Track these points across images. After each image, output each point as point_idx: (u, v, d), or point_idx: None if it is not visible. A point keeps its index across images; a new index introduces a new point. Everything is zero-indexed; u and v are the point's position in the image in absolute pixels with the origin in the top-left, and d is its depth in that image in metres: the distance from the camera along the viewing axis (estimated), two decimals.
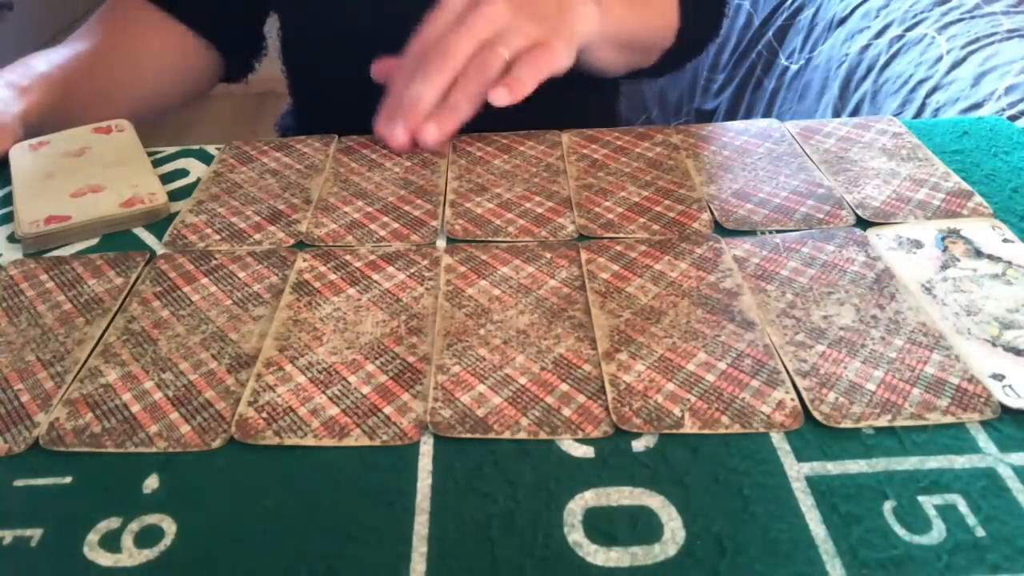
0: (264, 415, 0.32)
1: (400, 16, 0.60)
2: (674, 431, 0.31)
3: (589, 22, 0.51)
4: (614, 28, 0.53)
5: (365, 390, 0.33)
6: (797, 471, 0.29)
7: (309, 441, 0.31)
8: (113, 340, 0.36)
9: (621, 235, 0.42)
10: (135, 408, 0.32)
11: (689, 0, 0.61)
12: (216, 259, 0.42)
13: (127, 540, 0.27)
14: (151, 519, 0.28)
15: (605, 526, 0.27)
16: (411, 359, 0.34)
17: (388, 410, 0.32)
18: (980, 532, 0.27)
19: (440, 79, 0.47)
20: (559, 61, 0.47)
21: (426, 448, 0.30)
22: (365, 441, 0.31)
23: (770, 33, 1.57)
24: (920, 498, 0.28)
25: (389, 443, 0.31)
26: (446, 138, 0.48)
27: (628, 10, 0.55)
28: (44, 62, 0.57)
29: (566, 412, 0.31)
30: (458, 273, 0.40)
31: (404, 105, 0.48)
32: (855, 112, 1.31)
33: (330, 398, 0.32)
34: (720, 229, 0.43)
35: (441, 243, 0.42)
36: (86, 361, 0.35)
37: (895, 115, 1.16)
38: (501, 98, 0.46)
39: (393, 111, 0.49)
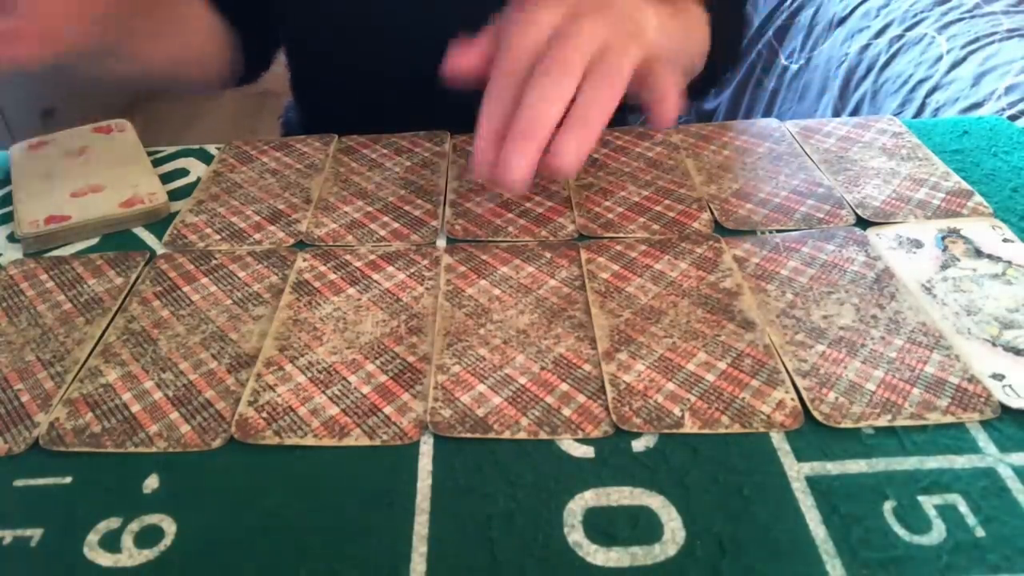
0: (264, 415, 0.32)
1: (402, 13, 0.60)
2: (674, 431, 0.31)
3: (656, 39, 0.47)
4: (666, 47, 0.49)
5: (365, 390, 0.33)
6: (797, 471, 0.29)
7: (309, 441, 0.31)
8: (113, 340, 0.36)
9: (621, 235, 0.42)
10: (135, 408, 0.32)
11: (718, 26, 0.61)
12: (216, 259, 0.42)
13: (127, 540, 0.27)
14: (151, 519, 0.28)
15: (605, 526, 0.27)
16: (411, 359, 0.34)
17: (388, 410, 0.32)
18: (980, 532, 0.27)
19: (563, 90, 0.37)
20: (674, 73, 0.42)
21: (426, 448, 0.30)
22: (365, 441, 0.31)
23: (770, 33, 1.57)
24: (920, 498, 0.28)
25: (389, 443, 0.31)
26: (583, 160, 0.37)
27: (677, 30, 0.52)
28: None
29: (566, 412, 0.31)
30: (458, 273, 0.40)
31: (521, 127, 0.37)
32: (855, 112, 1.31)
33: (330, 398, 0.32)
34: (720, 229, 0.43)
35: (441, 243, 0.42)
36: (86, 361, 0.35)
37: (895, 115, 1.16)
38: (666, 118, 0.40)
39: (499, 137, 0.38)
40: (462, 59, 0.42)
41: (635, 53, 0.41)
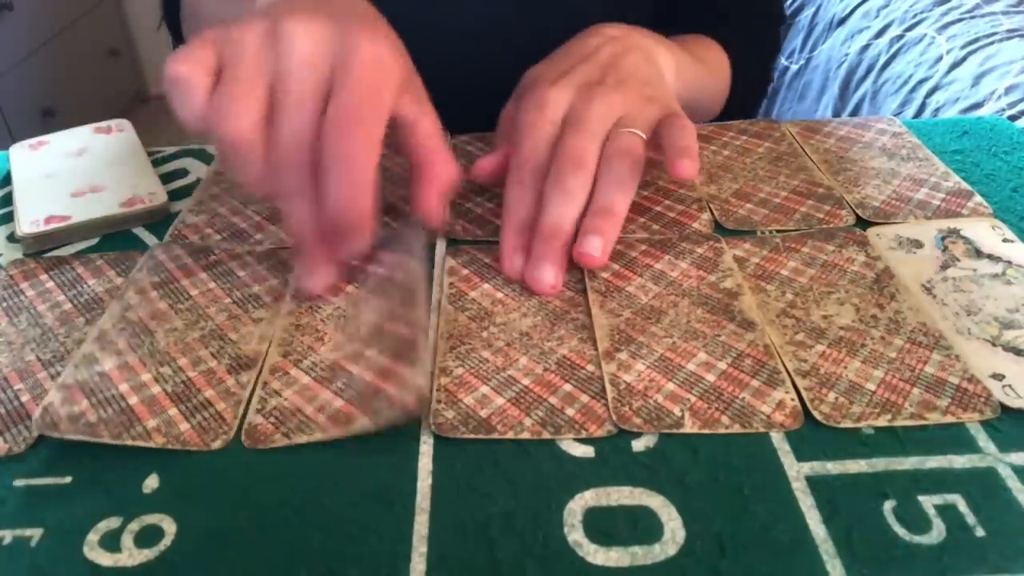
0: (272, 420, 0.32)
1: (403, 14, 0.60)
2: (674, 431, 0.31)
3: (671, 81, 0.48)
4: (683, 89, 0.50)
5: (368, 377, 0.33)
6: (797, 471, 0.29)
7: (317, 436, 0.31)
8: (109, 327, 0.36)
9: (621, 235, 0.42)
10: (132, 400, 0.32)
11: (740, 72, 0.61)
12: (215, 254, 0.42)
13: (127, 540, 0.27)
14: (151, 519, 0.28)
15: (605, 526, 0.27)
16: (405, 331, 0.34)
17: (390, 389, 0.32)
18: (980, 532, 0.27)
19: (579, 194, 0.38)
20: (692, 124, 0.41)
21: (426, 448, 0.30)
22: (368, 424, 0.31)
23: None
24: (920, 498, 0.28)
25: (392, 421, 0.30)
26: (611, 247, 0.39)
27: (693, 71, 0.53)
28: None
29: (569, 412, 0.31)
30: (461, 276, 0.40)
31: (544, 239, 0.38)
32: (855, 112, 1.31)
33: (335, 392, 0.33)
34: (720, 229, 0.43)
35: (441, 243, 0.42)
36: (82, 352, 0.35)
37: (895, 115, 1.16)
38: (687, 167, 0.38)
39: (522, 245, 0.39)
40: (485, 166, 0.43)
41: (652, 115, 0.42)
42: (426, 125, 0.38)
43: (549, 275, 0.38)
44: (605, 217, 0.38)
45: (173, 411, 0.32)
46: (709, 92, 0.59)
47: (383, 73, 0.34)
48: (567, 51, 0.46)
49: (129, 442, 0.31)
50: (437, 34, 0.59)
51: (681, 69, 0.50)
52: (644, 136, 0.41)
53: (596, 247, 0.38)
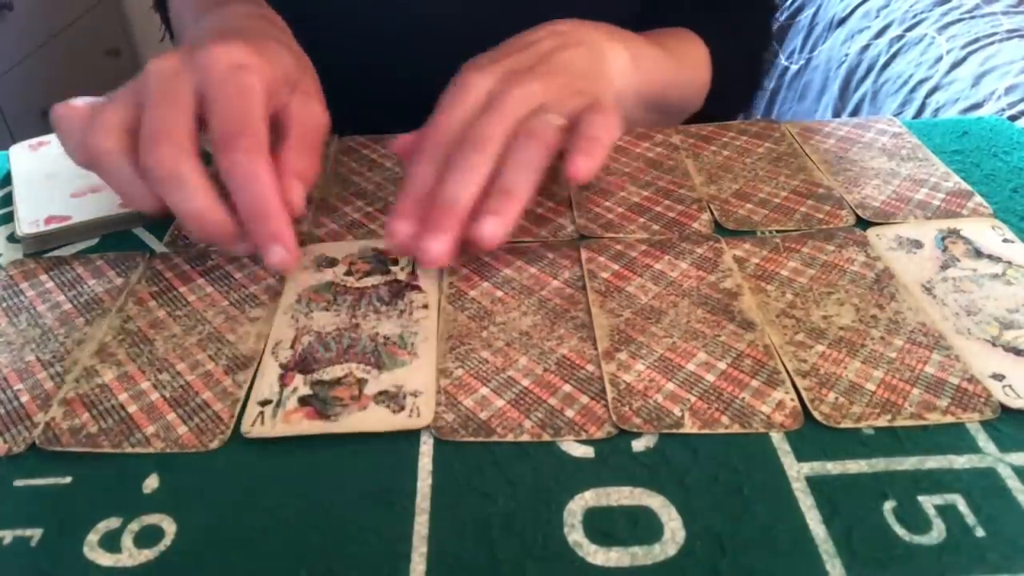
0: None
1: (402, 13, 0.60)
2: (674, 431, 0.31)
3: (624, 76, 0.47)
4: (646, 83, 0.49)
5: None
6: (797, 471, 0.29)
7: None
8: (109, 340, 0.36)
9: (621, 235, 0.42)
10: (132, 408, 0.32)
11: (723, 63, 0.60)
12: (213, 259, 0.42)
13: (127, 540, 0.27)
14: (151, 519, 0.28)
15: (605, 526, 0.27)
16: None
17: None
18: (980, 532, 0.27)
19: (480, 170, 0.37)
20: (616, 120, 0.40)
21: (426, 448, 0.30)
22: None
23: None
24: (920, 498, 0.28)
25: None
26: (509, 229, 0.37)
27: (659, 65, 0.52)
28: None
29: (569, 413, 0.31)
30: (461, 275, 0.40)
31: (438, 209, 0.37)
32: (855, 112, 1.31)
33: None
34: (720, 229, 0.43)
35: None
36: (84, 362, 0.35)
37: (895, 115, 1.16)
38: (583, 166, 0.37)
39: (416, 216, 0.38)
40: (401, 145, 0.43)
41: (576, 106, 0.40)
42: (295, 112, 0.39)
43: (437, 244, 0.36)
44: (505, 198, 0.37)
45: (171, 416, 0.32)
46: (682, 85, 0.57)
47: (242, 80, 0.37)
48: (508, 43, 0.45)
49: (129, 450, 0.31)
50: (402, 33, 0.59)
51: (641, 64, 0.49)
52: (561, 123, 0.39)
53: (493, 228, 0.37)
